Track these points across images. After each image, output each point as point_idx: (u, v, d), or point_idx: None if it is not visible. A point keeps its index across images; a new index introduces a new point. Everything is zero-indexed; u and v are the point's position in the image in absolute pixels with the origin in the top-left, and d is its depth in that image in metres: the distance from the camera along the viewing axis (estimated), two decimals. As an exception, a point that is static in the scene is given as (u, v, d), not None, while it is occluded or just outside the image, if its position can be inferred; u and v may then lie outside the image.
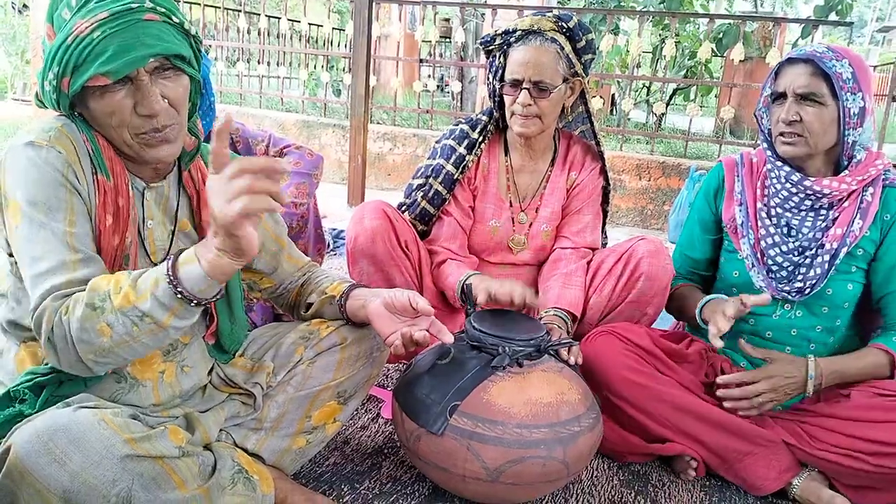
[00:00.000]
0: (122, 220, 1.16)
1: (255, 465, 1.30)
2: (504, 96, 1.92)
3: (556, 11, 1.91)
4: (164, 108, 1.12)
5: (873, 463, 1.48)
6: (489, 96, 2.01)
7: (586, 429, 1.42)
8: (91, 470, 0.98)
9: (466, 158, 1.99)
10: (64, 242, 1.07)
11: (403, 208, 2.05)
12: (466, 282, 1.81)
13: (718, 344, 1.54)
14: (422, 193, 2.01)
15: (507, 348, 1.44)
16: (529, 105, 1.85)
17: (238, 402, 1.37)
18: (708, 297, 1.72)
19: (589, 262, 2.01)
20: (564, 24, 1.87)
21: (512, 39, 1.88)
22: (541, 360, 1.48)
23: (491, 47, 1.94)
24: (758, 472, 1.61)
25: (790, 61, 1.60)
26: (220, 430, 1.33)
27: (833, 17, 6.61)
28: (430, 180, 2.00)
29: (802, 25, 5.64)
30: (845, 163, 1.63)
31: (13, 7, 10.21)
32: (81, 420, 1.00)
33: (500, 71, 1.91)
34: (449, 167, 1.98)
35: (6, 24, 9.71)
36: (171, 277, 1.01)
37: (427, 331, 1.33)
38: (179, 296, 1.01)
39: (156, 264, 1.22)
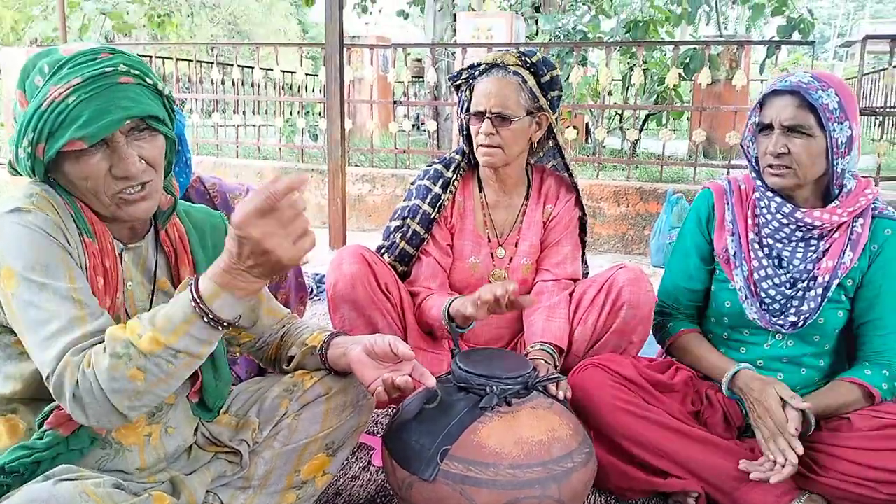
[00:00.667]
0: (112, 280, 1.15)
1: (243, 525, 1.28)
2: (471, 129, 1.95)
3: (521, 48, 1.97)
4: (140, 169, 1.12)
5: (884, 492, 1.46)
6: (459, 131, 2.04)
7: (580, 464, 1.40)
8: None
9: (442, 197, 2.00)
10: (69, 299, 1.05)
11: (383, 251, 2.05)
12: (451, 305, 1.81)
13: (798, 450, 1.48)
14: (400, 234, 2.02)
15: (494, 388, 1.42)
16: (492, 134, 1.89)
17: (224, 461, 1.34)
18: (736, 369, 1.64)
19: (571, 294, 2.01)
20: (528, 59, 1.92)
21: (477, 73, 1.93)
22: (529, 398, 1.46)
23: (458, 82, 1.99)
24: (755, 498, 1.58)
25: (775, 93, 1.58)
26: (207, 491, 1.30)
27: (796, 35, 6.78)
28: (408, 221, 2.01)
29: (767, 46, 5.78)
30: (836, 191, 1.61)
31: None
32: (62, 494, 0.96)
33: (467, 104, 1.96)
34: (425, 207, 2.00)
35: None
36: (206, 313, 1.03)
37: (410, 375, 1.31)
38: (220, 327, 1.05)
39: None
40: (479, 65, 1.93)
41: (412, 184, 2.08)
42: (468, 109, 1.95)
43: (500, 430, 1.37)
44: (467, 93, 1.96)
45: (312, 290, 3.62)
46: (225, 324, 1.05)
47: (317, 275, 3.89)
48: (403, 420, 1.47)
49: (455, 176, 2.03)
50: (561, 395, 1.57)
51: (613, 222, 5.04)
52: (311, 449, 1.39)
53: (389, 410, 2.15)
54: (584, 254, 2.18)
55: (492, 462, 1.33)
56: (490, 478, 1.32)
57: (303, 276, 2.37)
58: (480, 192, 2.07)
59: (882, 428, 1.50)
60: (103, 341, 1.04)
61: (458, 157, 2.06)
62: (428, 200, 2.00)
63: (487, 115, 1.89)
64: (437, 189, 2.01)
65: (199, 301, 1.03)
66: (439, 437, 1.37)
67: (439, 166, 2.05)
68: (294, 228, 1.00)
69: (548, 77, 1.94)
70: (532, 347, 1.87)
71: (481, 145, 1.91)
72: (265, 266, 1.02)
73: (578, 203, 2.10)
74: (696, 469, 1.62)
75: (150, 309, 1.23)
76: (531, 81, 1.91)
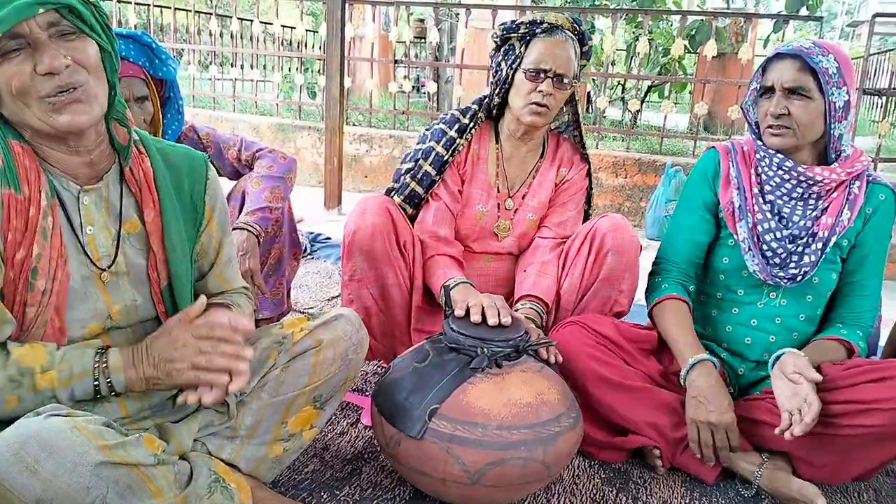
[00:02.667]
0: (30, 232, 1.10)
1: (231, 473, 1.28)
2: (521, 84, 1.92)
3: (567, 14, 1.97)
4: (64, 64, 1.06)
5: (844, 424, 1.50)
6: (497, 83, 1.99)
7: (566, 428, 1.41)
8: (64, 477, 0.95)
9: (457, 141, 2.00)
10: None
11: (392, 193, 2.04)
12: (451, 289, 1.80)
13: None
14: (410, 175, 2.01)
15: (485, 349, 1.43)
16: (550, 95, 1.89)
17: (211, 411, 1.33)
18: (694, 360, 1.64)
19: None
20: (577, 27, 1.94)
21: (538, 30, 1.91)
22: (520, 361, 1.47)
23: (512, 35, 1.95)
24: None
25: (778, 56, 1.63)
26: (195, 440, 1.30)
27: (804, 11, 6.69)
28: (420, 162, 2.00)
29: (774, 21, 5.71)
30: (833, 156, 1.66)
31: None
32: (53, 427, 0.97)
33: (520, 59, 1.93)
34: (439, 149, 1.99)
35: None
36: (98, 385, 1.12)
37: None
38: (97, 395, 1.13)
39: (102, 269, 1.19)
40: (541, 22, 1.91)
41: (427, 129, 2.07)
42: (518, 64, 1.92)
43: (490, 391, 1.38)
44: (521, 48, 1.93)
45: (306, 249, 3.61)
46: (100, 393, 1.12)
47: (311, 233, 3.88)
48: (393, 377, 1.48)
49: (472, 123, 2.02)
50: (552, 359, 1.58)
51: (610, 193, 5.02)
52: (299, 402, 1.39)
53: (379, 369, 2.16)
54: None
55: (480, 422, 1.34)
56: (477, 437, 1.32)
57: (297, 232, 2.36)
58: (497, 143, 2.07)
59: (849, 368, 1.56)
60: None
61: (475, 106, 2.04)
62: (442, 143, 2.00)
63: (550, 74, 1.88)
64: (452, 133, 2.00)
65: (102, 369, 1.12)
66: (428, 396, 1.38)
67: (456, 112, 2.05)
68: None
69: (586, 47, 1.97)
70: (522, 305, 1.89)
71: (534, 103, 1.90)
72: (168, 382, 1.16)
73: (589, 175, 2.12)
74: (664, 430, 1.67)
75: (116, 252, 1.21)
76: (579, 49, 1.95)
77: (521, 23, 1.94)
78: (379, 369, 2.18)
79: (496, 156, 2.06)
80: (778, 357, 1.59)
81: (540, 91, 1.88)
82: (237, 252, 1.89)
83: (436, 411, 1.35)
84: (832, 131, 1.63)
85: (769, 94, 1.65)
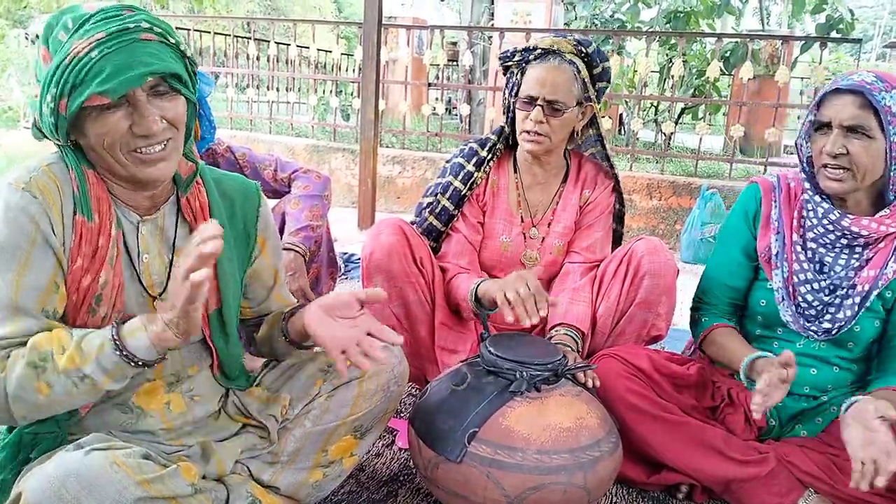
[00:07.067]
0: (98, 259, 1.13)
1: (269, 496, 1.29)
2: (517, 112, 1.93)
3: (575, 35, 1.94)
4: (161, 128, 1.11)
5: None
6: (504, 112, 2.01)
7: (606, 453, 1.40)
8: None
9: (475, 175, 2.00)
10: (8, 288, 1.06)
11: (414, 226, 2.05)
12: (479, 287, 1.79)
13: (757, 416, 1.43)
14: (429, 210, 2.03)
15: (524, 373, 1.42)
16: (541, 122, 1.87)
17: (254, 435, 1.35)
18: (751, 357, 1.57)
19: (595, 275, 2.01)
20: (583, 49, 1.89)
21: (531, 57, 1.90)
22: (558, 385, 1.46)
23: (509, 63, 1.95)
24: (759, 497, 1.57)
25: (836, 91, 1.52)
26: (237, 461, 1.31)
27: (834, 34, 6.61)
28: (439, 197, 2.01)
29: (802, 43, 5.64)
30: (891, 198, 1.55)
31: (26, 37, 10.36)
32: (93, 464, 0.98)
33: (516, 87, 1.93)
34: (457, 184, 2.00)
35: (19, 55, 9.84)
36: (118, 345, 1.05)
37: (370, 333, 1.22)
38: (124, 360, 1.05)
39: (154, 297, 1.21)
40: (534, 49, 1.89)
41: (447, 161, 2.07)
42: (516, 93, 1.93)
43: (529, 415, 1.37)
44: (518, 76, 1.93)
45: (341, 269, 3.63)
46: (128, 358, 1.06)
47: (345, 253, 3.90)
48: (431, 401, 1.47)
49: (490, 156, 2.02)
50: (590, 383, 1.56)
51: (645, 215, 4.98)
52: (340, 431, 1.39)
53: (414, 391, 2.16)
54: (617, 246, 2.15)
55: (519, 446, 1.33)
56: (517, 462, 1.31)
57: (334, 251, 2.38)
58: (516, 172, 2.06)
59: None
60: (23, 345, 1.05)
61: (493, 137, 2.05)
62: (460, 178, 2.00)
63: (539, 102, 1.86)
64: (470, 167, 2.01)
65: (118, 332, 1.06)
66: (467, 419, 1.37)
67: (474, 145, 2.05)
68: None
69: (599, 68, 1.93)
70: (556, 332, 1.86)
71: (527, 131, 1.89)
72: (174, 311, 1.05)
73: (616, 192, 2.08)
74: (702, 466, 1.61)
75: (167, 281, 1.23)
76: (584, 72, 1.89)
77: (517, 51, 1.93)
78: (413, 391, 2.17)
79: (516, 185, 2.05)
80: (851, 404, 1.46)
81: (531, 119, 1.87)
82: (286, 272, 1.92)
83: (475, 435, 1.35)
84: (892, 173, 1.52)
85: (825, 129, 1.54)
